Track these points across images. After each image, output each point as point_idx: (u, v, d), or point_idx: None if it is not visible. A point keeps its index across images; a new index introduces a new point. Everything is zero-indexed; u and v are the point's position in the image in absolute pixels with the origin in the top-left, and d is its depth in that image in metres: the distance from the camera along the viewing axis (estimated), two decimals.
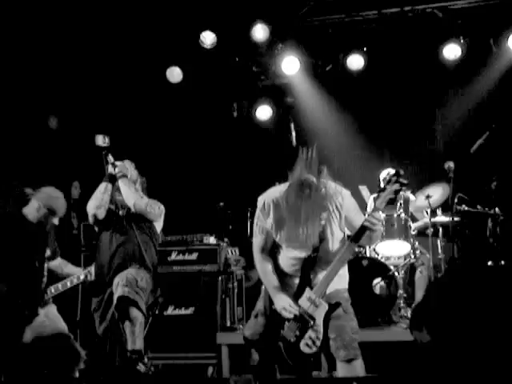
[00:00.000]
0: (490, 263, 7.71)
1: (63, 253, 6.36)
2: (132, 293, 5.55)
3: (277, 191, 4.68)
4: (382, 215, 4.54)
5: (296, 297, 4.63)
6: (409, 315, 7.31)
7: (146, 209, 5.97)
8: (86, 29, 8.85)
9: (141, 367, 5.25)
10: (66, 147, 9.23)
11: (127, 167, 6.14)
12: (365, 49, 9.44)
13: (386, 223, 7.86)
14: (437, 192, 7.92)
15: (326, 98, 10.02)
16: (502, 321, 2.95)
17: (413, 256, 7.78)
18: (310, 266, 4.65)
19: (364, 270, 7.35)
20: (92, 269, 6.13)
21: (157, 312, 6.26)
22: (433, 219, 7.90)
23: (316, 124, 10.00)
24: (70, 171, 8.92)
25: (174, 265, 7.68)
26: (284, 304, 4.60)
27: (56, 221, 5.83)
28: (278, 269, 4.78)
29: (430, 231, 7.83)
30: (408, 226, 7.83)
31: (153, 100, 10.05)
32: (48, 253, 5.89)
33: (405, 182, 4.56)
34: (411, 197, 8.32)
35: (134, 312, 5.57)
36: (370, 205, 8.48)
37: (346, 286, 4.85)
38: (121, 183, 5.99)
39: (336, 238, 4.66)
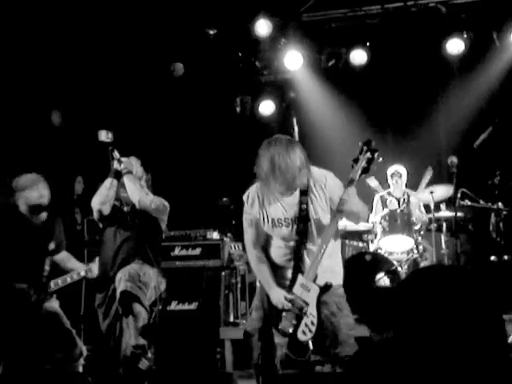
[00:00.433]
0: (492, 258, 7.73)
1: (67, 248, 6.37)
2: (134, 288, 5.56)
3: (258, 184, 4.72)
4: (353, 190, 4.47)
5: (290, 287, 4.61)
6: None
7: (151, 205, 5.97)
8: (89, 24, 8.85)
9: (144, 362, 5.26)
10: (69, 142, 9.23)
11: (133, 164, 6.13)
12: (368, 44, 9.43)
13: (390, 218, 7.89)
14: (441, 190, 7.93)
15: (328, 93, 10.01)
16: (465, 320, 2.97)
17: (416, 251, 7.79)
18: (300, 253, 4.63)
19: (367, 264, 7.36)
20: (93, 265, 6.13)
21: (160, 307, 6.25)
22: (436, 214, 7.91)
23: (319, 119, 10.00)
24: (73, 166, 8.93)
25: (177, 260, 7.70)
26: (279, 296, 4.60)
27: (42, 192, 5.80)
28: (270, 262, 4.77)
29: (433, 226, 7.84)
30: (411, 221, 7.84)
31: (155, 95, 10.05)
32: (52, 246, 5.89)
33: (375, 148, 4.49)
34: (415, 194, 8.33)
35: (137, 307, 5.57)
36: (376, 205, 8.52)
37: (341, 282, 4.80)
38: (126, 179, 5.98)
39: (322, 220, 4.61)
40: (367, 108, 9.87)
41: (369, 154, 4.49)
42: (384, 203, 8.42)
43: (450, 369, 2.99)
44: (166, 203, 6.17)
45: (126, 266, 5.78)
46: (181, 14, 9.08)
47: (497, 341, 3.02)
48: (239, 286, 8.00)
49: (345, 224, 7.52)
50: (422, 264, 7.85)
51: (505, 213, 7.75)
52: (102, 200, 5.98)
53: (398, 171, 8.45)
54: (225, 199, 9.20)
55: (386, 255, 7.67)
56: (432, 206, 7.85)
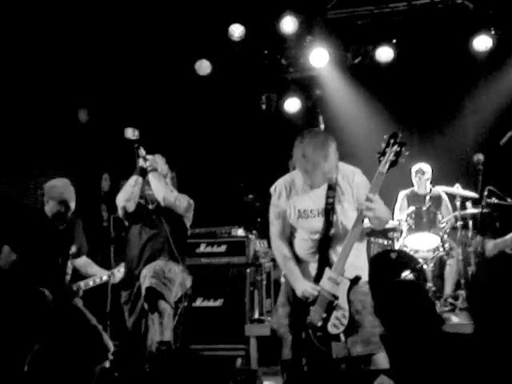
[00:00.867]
0: None
1: (93, 245, 6.41)
2: (159, 284, 5.57)
3: (285, 177, 4.87)
4: (377, 196, 4.47)
5: (316, 281, 4.64)
6: (438, 308, 7.28)
7: (175, 203, 5.99)
8: (117, 22, 8.91)
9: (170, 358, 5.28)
10: (95, 140, 9.29)
11: (158, 161, 6.16)
12: (394, 41, 9.39)
13: (416, 216, 7.85)
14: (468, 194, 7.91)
15: (354, 91, 9.98)
16: None
17: (442, 249, 7.75)
18: (325, 247, 4.66)
19: (392, 262, 7.34)
20: (116, 270, 6.16)
21: (186, 304, 6.27)
22: (462, 212, 7.86)
23: (344, 116, 9.98)
24: (99, 164, 8.98)
25: (202, 257, 7.74)
26: (304, 287, 4.62)
27: (71, 206, 5.83)
28: (295, 256, 4.81)
29: (459, 224, 7.79)
30: (437, 219, 7.79)
31: (182, 93, 10.08)
32: (73, 250, 5.93)
33: (403, 141, 4.49)
34: (441, 192, 8.30)
35: (162, 304, 5.59)
36: (401, 203, 8.48)
37: (366, 279, 4.82)
38: (151, 177, 6.01)
39: (348, 215, 4.64)
40: (393, 105, 9.84)
41: (396, 147, 4.48)
42: (409, 201, 8.39)
43: None
44: (191, 201, 6.18)
45: (152, 263, 5.80)
46: (207, 12, 9.10)
47: None
48: (264, 282, 8.02)
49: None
50: (448, 262, 7.80)
51: None
52: (126, 197, 6.01)
53: (421, 169, 8.41)
54: (250, 196, 9.22)
55: (411, 253, 7.63)
56: (458, 204, 7.79)
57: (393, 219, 8.00)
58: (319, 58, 9.54)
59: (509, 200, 7.78)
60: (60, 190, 5.80)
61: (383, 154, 4.48)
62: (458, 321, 6.87)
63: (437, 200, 8.22)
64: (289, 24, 9.30)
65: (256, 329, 7.35)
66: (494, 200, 7.69)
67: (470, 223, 7.90)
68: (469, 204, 7.92)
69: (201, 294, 7.55)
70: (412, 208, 8.01)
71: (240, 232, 7.94)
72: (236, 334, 7.41)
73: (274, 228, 4.89)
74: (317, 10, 9.47)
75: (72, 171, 6.08)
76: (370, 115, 9.87)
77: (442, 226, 7.88)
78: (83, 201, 6.17)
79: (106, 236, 7.79)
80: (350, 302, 4.56)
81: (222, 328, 7.50)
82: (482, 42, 9.00)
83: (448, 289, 7.77)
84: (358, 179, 4.69)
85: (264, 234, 8.29)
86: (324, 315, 4.56)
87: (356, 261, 4.70)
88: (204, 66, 9.88)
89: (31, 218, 5.90)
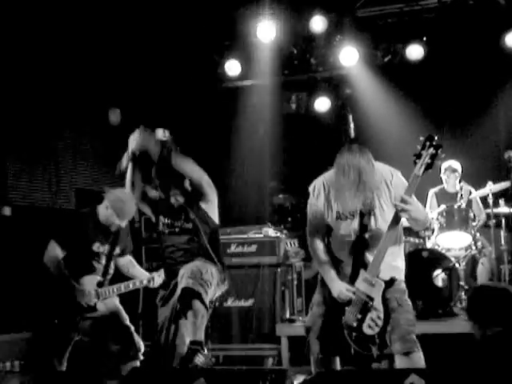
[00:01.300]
0: None
1: None
2: (196, 284, 5.55)
3: (325, 175, 4.86)
4: (413, 198, 4.47)
5: (351, 282, 4.64)
6: None
7: (202, 179, 5.89)
8: (148, 24, 8.96)
9: (200, 358, 5.28)
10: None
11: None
12: (424, 38, 9.33)
13: (447, 214, 7.79)
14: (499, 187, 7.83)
15: (384, 89, 9.93)
16: None
17: (474, 248, 7.69)
18: (361, 248, 4.66)
19: (424, 261, 7.29)
20: (156, 275, 6.16)
21: (217, 304, 6.28)
22: (495, 210, 7.79)
23: (375, 115, 9.93)
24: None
25: (233, 257, 7.74)
26: (340, 288, 4.63)
27: (123, 223, 5.87)
28: (331, 256, 4.82)
29: (492, 222, 7.72)
30: (469, 217, 7.73)
31: (212, 94, 10.12)
32: (117, 250, 5.97)
33: (439, 143, 4.45)
34: (473, 190, 8.23)
35: (197, 304, 5.57)
36: (430, 201, 8.43)
37: (403, 278, 4.80)
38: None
39: (385, 217, 4.63)
40: (424, 104, 9.77)
41: (432, 150, 4.45)
42: (438, 199, 8.34)
43: None
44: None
45: (189, 263, 5.78)
46: (235, 10, 9.13)
47: None
48: (295, 282, 8.02)
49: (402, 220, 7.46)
50: (481, 260, 7.74)
51: None
52: None
53: (451, 166, 8.34)
54: (281, 196, 9.23)
55: (443, 252, 7.58)
56: (491, 202, 7.73)
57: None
58: (349, 56, 9.50)
59: None
60: (125, 204, 5.81)
61: (419, 156, 4.47)
62: None
63: (468, 198, 8.16)
64: (318, 23, 9.29)
65: (287, 328, 7.36)
66: None
67: (503, 221, 7.84)
68: (501, 202, 7.85)
69: (232, 294, 7.56)
70: (443, 206, 7.96)
71: (270, 232, 7.94)
72: (267, 334, 7.42)
73: (311, 227, 4.91)
74: (346, 9, 9.45)
75: (103, 173, 6.09)
76: (400, 114, 9.81)
77: (474, 224, 7.81)
78: None
79: (137, 237, 7.84)
80: (385, 300, 4.56)
81: (254, 328, 7.51)
82: None
83: None
84: (397, 180, 4.68)
85: (294, 233, 8.29)
86: (359, 316, 4.57)
87: (392, 261, 4.69)
88: (233, 67, 9.90)
89: (81, 218, 5.97)
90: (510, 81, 9.63)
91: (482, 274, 7.75)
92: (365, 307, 4.56)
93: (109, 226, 5.83)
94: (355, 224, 4.68)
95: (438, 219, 7.86)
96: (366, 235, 4.67)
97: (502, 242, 7.81)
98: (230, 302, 7.63)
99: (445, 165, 8.39)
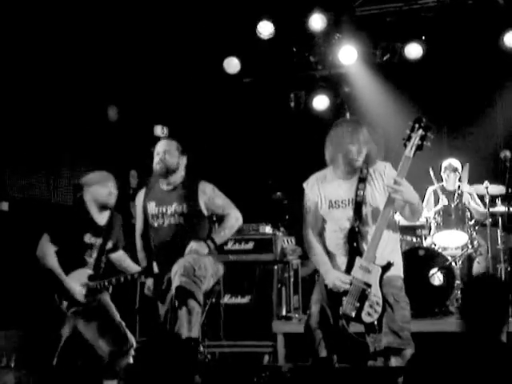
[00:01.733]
0: None
1: None
2: (189, 283, 5.54)
3: (317, 173, 5.00)
4: (405, 181, 4.53)
5: (347, 272, 4.68)
6: None
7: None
8: (145, 20, 8.96)
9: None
10: (124, 137, 9.36)
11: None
12: (423, 37, 9.33)
13: (444, 213, 7.80)
14: (494, 189, 7.83)
15: (383, 88, 9.93)
16: None
17: (470, 246, 7.70)
18: (355, 237, 4.69)
19: (421, 259, 7.31)
20: (146, 267, 6.16)
21: (213, 300, 6.28)
22: (492, 209, 7.80)
23: (373, 113, 9.93)
24: (127, 160, 9.04)
25: (230, 254, 7.74)
26: (335, 277, 4.67)
27: (113, 190, 5.85)
28: (326, 249, 4.87)
29: (488, 221, 7.73)
30: (466, 216, 7.74)
31: (210, 90, 10.12)
32: (110, 245, 5.97)
33: (428, 125, 4.57)
34: (472, 192, 8.23)
35: (192, 302, 5.57)
36: (428, 198, 8.43)
37: (400, 274, 4.83)
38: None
39: (379, 206, 4.68)
40: (422, 103, 9.74)
41: (421, 131, 4.57)
42: (437, 197, 8.35)
43: None
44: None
45: (181, 259, 5.76)
46: (235, 9, 9.12)
47: None
48: (292, 280, 8.02)
49: (398, 219, 7.48)
50: (477, 259, 7.76)
51: None
52: None
53: (451, 165, 8.35)
54: (278, 193, 9.22)
55: (439, 250, 7.59)
56: (487, 201, 7.74)
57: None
58: (348, 55, 9.51)
59: None
60: (97, 174, 5.85)
61: (408, 138, 4.58)
62: None
63: (465, 197, 8.16)
64: (317, 21, 9.29)
65: (283, 325, 7.37)
66: None
67: (500, 220, 7.85)
68: (498, 201, 7.87)
69: (228, 291, 7.57)
70: (440, 205, 7.97)
71: (268, 229, 7.95)
72: (263, 331, 7.42)
73: (306, 222, 4.96)
74: (345, 7, 9.45)
75: (101, 168, 6.08)
76: (399, 113, 9.80)
77: (471, 223, 7.82)
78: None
79: (134, 232, 7.85)
80: (382, 291, 4.58)
81: (250, 325, 7.52)
82: None
83: None
84: (390, 171, 4.74)
85: (291, 231, 8.30)
86: (357, 304, 4.59)
87: (390, 255, 4.73)
88: (233, 64, 9.90)
89: (71, 211, 5.97)
90: (508, 80, 9.63)
91: (479, 273, 7.77)
92: (362, 295, 4.58)
93: (105, 205, 5.82)
94: (349, 212, 4.73)
95: (434, 218, 7.87)
96: (360, 224, 4.71)
97: (499, 241, 7.82)
98: (226, 299, 7.64)
99: (445, 163, 8.41)
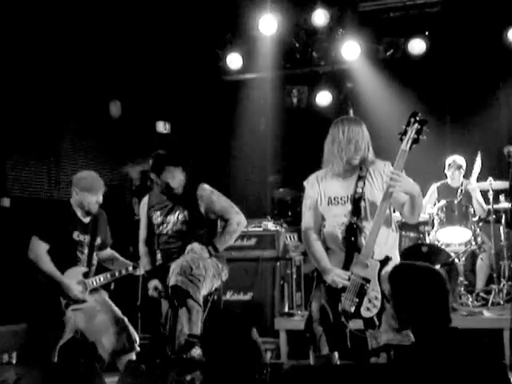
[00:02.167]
0: None
1: (125, 238, 6.42)
2: (185, 282, 5.51)
3: (318, 171, 5.01)
4: (403, 173, 4.56)
5: (347, 267, 4.69)
6: (469, 302, 7.22)
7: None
8: (148, 16, 8.95)
9: (197, 351, 5.27)
10: (127, 133, 9.34)
11: None
12: (427, 33, 9.31)
13: (447, 209, 7.77)
14: (498, 184, 7.81)
15: (386, 84, 9.90)
16: None
17: (474, 243, 7.66)
18: (354, 234, 4.71)
19: (424, 256, 7.28)
20: (141, 263, 6.15)
21: (215, 297, 6.26)
22: (495, 206, 7.77)
23: (376, 109, 9.90)
24: (130, 157, 9.02)
25: (232, 250, 7.69)
26: (333, 273, 4.68)
27: (99, 198, 5.83)
28: (325, 246, 4.88)
29: (492, 218, 7.70)
30: (469, 212, 7.71)
31: (212, 87, 10.11)
32: (98, 241, 5.94)
33: (424, 118, 4.56)
34: (475, 188, 8.20)
35: (190, 302, 5.55)
36: (430, 195, 8.39)
37: None
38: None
39: (376, 202, 4.68)
40: (426, 98, 9.71)
41: (417, 125, 4.56)
42: (440, 193, 8.32)
43: None
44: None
45: (180, 258, 5.76)
46: (237, 4, 9.12)
47: None
48: (294, 276, 8.00)
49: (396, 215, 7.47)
50: (480, 256, 7.73)
51: None
52: None
53: (455, 161, 8.32)
54: (281, 190, 9.21)
55: (443, 247, 7.57)
56: (491, 197, 7.71)
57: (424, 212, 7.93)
58: (351, 51, 9.50)
59: None
60: (90, 179, 5.84)
61: (404, 132, 4.58)
62: (490, 315, 6.81)
63: (468, 193, 8.12)
64: (320, 17, 9.29)
65: (286, 322, 7.35)
66: None
67: (503, 217, 7.82)
68: (502, 197, 7.84)
69: (231, 288, 7.55)
70: (443, 201, 7.93)
71: (270, 225, 7.93)
72: (266, 328, 7.40)
73: (306, 219, 4.97)
74: (348, 3, 9.46)
75: (104, 165, 6.07)
76: (402, 108, 9.76)
77: (475, 219, 7.79)
78: (115, 195, 6.19)
79: (137, 229, 7.84)
80: (381, 286, 4.57)
81: (252, 321, 7.49)
82: None
83: (480, 283, 7.71)
84: (389, 170, 4.72)
85: (294, 227, 8.28)
86: (356, 300, 4.60)
87: (386, 246, 4.75)
88: (234, 61, 9.89)
89: (58, 210, 5.95)
90: (511, 76, 9.59)
91: (482, 270, 7.75)
92: (361, 290, 4.59)
93: (88, 211, 5.80)
94: (347, 209, 4.76)
95: (437, 214, 7.83)
96: (358, 221, 4.73)
97: (502, 237, 7.80)
98: (228, 296, 7.62)
99: (449, 160, 8.37)
